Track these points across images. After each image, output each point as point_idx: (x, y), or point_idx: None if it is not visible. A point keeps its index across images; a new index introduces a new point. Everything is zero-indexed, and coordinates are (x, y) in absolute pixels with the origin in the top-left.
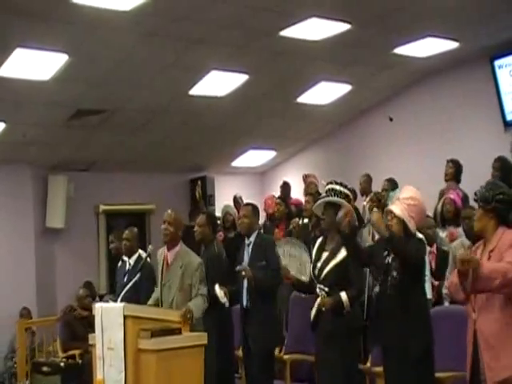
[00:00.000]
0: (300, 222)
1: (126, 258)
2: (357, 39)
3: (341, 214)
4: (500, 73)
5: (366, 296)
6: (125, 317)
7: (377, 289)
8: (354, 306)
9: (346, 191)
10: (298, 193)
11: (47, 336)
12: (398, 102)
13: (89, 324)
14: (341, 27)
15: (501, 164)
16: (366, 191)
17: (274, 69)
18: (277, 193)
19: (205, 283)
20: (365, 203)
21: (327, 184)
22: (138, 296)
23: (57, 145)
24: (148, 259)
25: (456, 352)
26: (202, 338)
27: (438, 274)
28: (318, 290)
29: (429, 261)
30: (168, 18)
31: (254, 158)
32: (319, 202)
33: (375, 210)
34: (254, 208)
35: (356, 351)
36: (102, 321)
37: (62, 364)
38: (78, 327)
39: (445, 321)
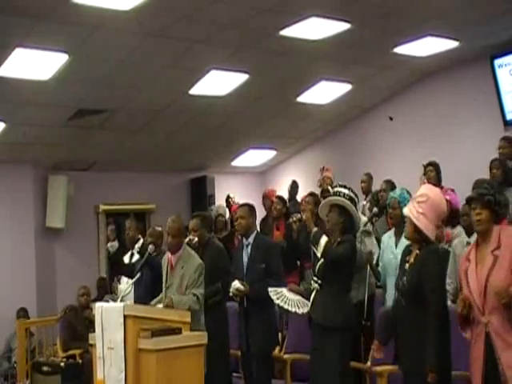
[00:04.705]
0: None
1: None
2: (357, 38)
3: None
4: (500, 72)
5: (366, 296)
6: (125, 316)
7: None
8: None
9: (351, 194)
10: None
11: (47, 336)
12: (398, 102)
13: (90, 324)
14: (341, 26)
15: (499, 163)
16: (367, 190)
17: (274, 68)
18: (278, 192)
19: (202, 286)
20: (364, 203)
21: (334, 186)
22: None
23: (57, 145)
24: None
25: (454, 350)
26: (202, 337)
27: None
28: (312, 282)
29: None
30: (168, 17)
31: (254, 157)
32: (324, 202)
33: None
34: (251, 208)
35: (348, 349)
36: (102, 320)
37: (62, 364)
38: (79, 327)
39: None
